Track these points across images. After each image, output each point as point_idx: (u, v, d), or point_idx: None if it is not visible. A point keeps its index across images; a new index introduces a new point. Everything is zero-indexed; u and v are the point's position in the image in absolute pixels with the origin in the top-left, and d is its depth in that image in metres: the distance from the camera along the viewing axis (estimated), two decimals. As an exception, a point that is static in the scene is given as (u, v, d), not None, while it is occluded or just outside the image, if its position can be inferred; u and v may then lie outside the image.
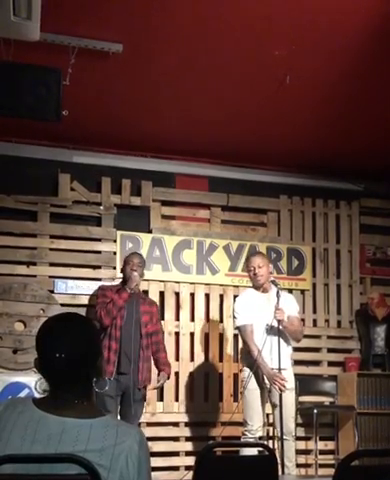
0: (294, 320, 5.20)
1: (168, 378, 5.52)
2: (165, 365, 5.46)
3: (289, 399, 5.04)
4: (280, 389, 4.91)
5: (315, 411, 6.07)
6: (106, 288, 5.48)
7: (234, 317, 5.33)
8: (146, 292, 6.18)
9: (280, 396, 4.91)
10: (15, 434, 1.73)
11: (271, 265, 5.39)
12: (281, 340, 4.99)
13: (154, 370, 5.47)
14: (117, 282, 5.69)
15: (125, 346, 5.19)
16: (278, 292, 5.07)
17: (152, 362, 5.43)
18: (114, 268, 6.09)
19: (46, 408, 1.78)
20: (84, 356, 1.84)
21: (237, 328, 5.30)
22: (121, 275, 5.57)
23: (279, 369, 4.95)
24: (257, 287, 5.25)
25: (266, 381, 5.02)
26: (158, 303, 6.22)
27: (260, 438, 5.20)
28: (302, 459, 6.19)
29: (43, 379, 1.85)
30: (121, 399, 5.21)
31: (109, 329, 5.21)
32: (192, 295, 6.40)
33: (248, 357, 5.13)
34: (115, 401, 5.14)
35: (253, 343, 5.06)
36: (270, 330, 5.03)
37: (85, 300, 5.99)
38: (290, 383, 5.08)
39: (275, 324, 5.00)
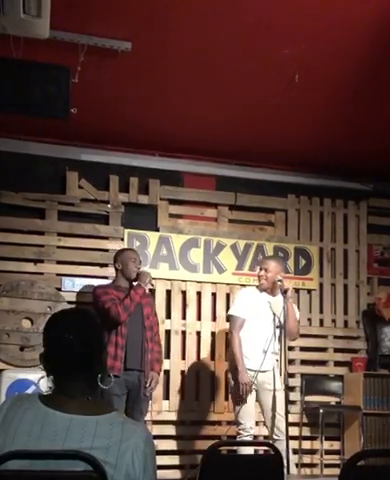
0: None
1: (158, 375, 5.28)
2: (157, 362, 5.26)
3: (279, 399, 5.06)
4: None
5: (321, 411, 6.06)
6: (105, 286, 5.34)
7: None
8: (153, 291, 6.19)
9: (273, 396, 4.99)
10: (21, 430, 1.73)
11: (282, 273, 5.33)
12: (276, 341, 5.11)
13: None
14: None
15: (131, 341, 5.09)
16: (281, 289, 5.12)
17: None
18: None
19: (52, 404, 1.78)
20: (90, 344, 1.85)
21: (229, 316, 5.36)
22: (115, 271, 5.43)
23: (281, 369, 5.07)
24: (262, 289, 5.29)
25: (257, 380, 5.07)
26: (165, 302, 6.24)
27: (265, 438, 5.23)
28: (307, 459, 6.18)
29: (46, 377, 1.86)
30: (127, 397, 5.12)
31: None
32: (199, 294, 6.39)
33: (231, 356, 5.21)
34: (121, 400, 5.04)
35: (238, 336, 5.14)
36: (272, 332, 5.10)
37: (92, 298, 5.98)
38: (278, 383, 5.11)
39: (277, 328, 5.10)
